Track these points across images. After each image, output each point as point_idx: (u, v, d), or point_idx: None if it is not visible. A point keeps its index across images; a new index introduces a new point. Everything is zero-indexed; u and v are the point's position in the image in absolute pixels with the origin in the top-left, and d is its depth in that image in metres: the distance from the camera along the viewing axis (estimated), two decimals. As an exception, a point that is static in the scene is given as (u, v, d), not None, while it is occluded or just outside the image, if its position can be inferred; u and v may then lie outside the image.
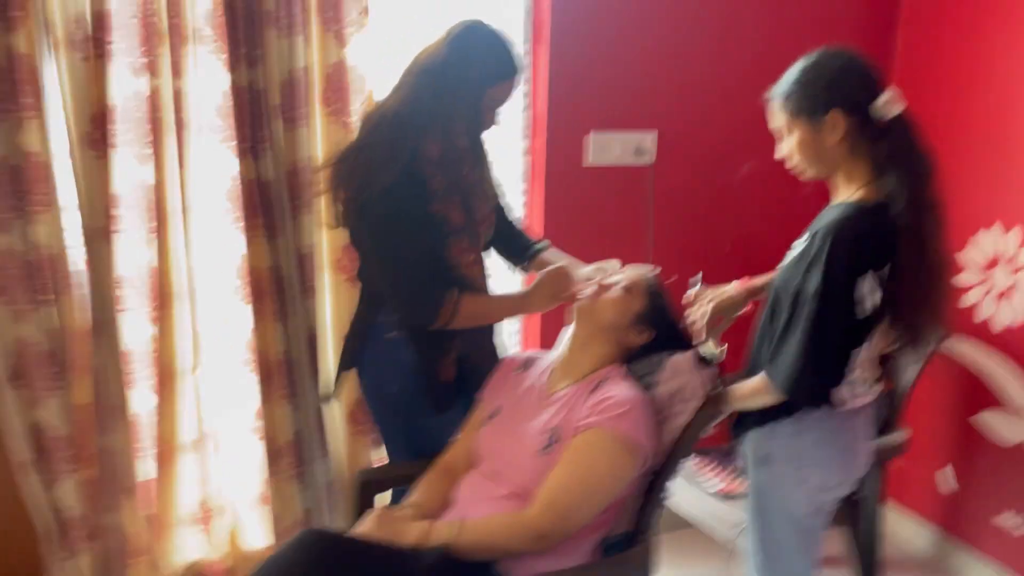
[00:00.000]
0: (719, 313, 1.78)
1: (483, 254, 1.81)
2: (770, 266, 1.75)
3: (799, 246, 1.55)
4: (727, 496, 2.20)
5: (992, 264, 2.45)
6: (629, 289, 1.66)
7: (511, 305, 1.76)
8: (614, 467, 1.49)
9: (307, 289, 2.07)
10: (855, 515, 2.16)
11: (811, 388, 1.50)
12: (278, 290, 2.03)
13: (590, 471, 1.47)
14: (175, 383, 2.03)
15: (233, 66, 1.91)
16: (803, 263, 1.48)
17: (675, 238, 2.56)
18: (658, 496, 1.61)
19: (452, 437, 1.75)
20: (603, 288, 1.66)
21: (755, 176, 2.64)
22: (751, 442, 1.68)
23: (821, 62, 1.50)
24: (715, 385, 1.63)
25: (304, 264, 2.06)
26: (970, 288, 2.51)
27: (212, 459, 2.15)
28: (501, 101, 1.67)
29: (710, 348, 1.75)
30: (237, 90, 1.92)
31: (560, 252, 1.95)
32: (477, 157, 1.73)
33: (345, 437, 2.23)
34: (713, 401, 1.62)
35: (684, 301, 1.83)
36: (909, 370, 2.21)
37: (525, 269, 1.96)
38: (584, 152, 2.38)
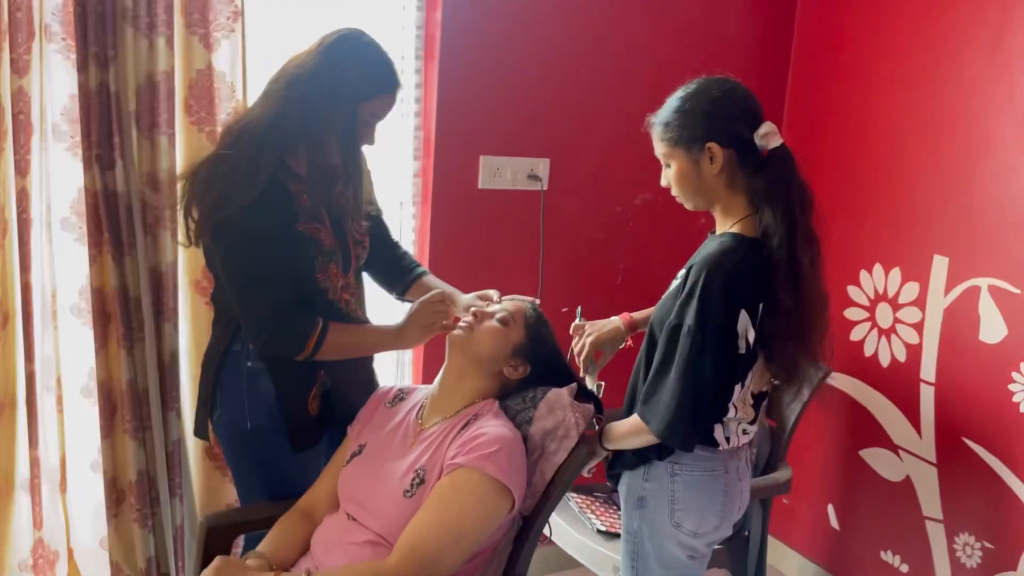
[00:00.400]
0: (598, 347, 1.78)
1: (357, 279, 1.76)
2: (655, 294, 1.75)
3: (679, 279, 1.54)
4: (610, 535, 2.18)
5: (875, 303, 2.52)
6: (506, 321, 1.61)
7: (382, 337, 1.70)
8: (482, 510, 1.43)
9: (162, 312, 1.98)
10: (737, 555, 2.16)
11: (685, 431, 1.48)
12: (125, 313, 1.91)
13: (455, 515, 1.41)
14: (8, 413, 1.91)
15: (82, 66, 1.79)
16: (679, 297, 1.47)
17: (566, 266, 2.57)
18: (531, 541, 1.56)
19: (315, 478, 1.68)
20: (480, 318, 1.61)
21: (648, 206, 2.67)
22: (625, 484, 1.65)
23: (699, 92, 1.49)
24: (593, 423, 1.61)
25: (159, 284, 1.96)
26: (856, 324, 2.58)
27: (48, 499, 2.01)
28: (378, 116, 1.62)
29: (591, 383, 1.74)
30: (86, 92, 1.80)
31: (438, 280, 1.90)
32: (351, 174, 1.66)
33: (201, 476, 2.12)
34: (590, 440, 1.58)
35: (570, 333, 1.81)
36: (793, 406, 2.24)
37: (401, 296, 1.90)
38: (477, 175, 2.38)
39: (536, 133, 2.45)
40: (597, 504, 2.36)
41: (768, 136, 1.46)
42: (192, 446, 2.11)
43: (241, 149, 1.54)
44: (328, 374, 1.71)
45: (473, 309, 1.64)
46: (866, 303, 2.54)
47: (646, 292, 2.07)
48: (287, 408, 1.67)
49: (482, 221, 2.42)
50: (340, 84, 1.53)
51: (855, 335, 2.58)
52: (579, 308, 1.88)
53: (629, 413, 1.62)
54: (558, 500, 1.58)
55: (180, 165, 1.92)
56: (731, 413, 1.53)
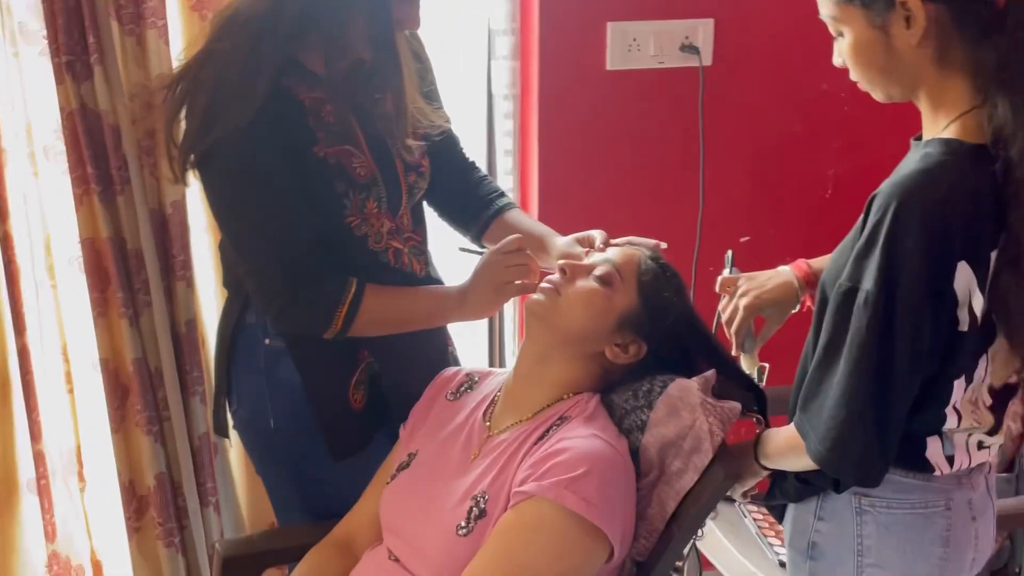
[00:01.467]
0: (759, 313, 1.69)
1: (415, 221, 1.74)
2: None
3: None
4: None
5: None
6: (609, 278, 1.52)
7: (440, 302, 1.68)
8: (561, 561, 1.37)
9: (171, 267, 2.00)
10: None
11: (861, 457, 1.34)
12: (123, 270, 1.93)
13: (524, 566, 1.36)
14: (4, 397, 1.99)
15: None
16: (854, 245, 1.33)
17: (740, 178, 2.48)
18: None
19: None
20: (571, 274, 1.54)
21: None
22: (789, 522, 1.57)
23: None
24: (754, 421, 1.55)
25: (164, 231, 1.99)
26: None
27: (61, 501, 2.10)
28: None
29: (748, 365, 1.69)
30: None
31: (526, 217, 1.87)
32: (388, 72, 1.62)
33: (246, 479, 2.16)
34: (734, 454, 1.49)
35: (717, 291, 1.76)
36: None
37: (478, 240, 1.86)
38: (604, 51, 2.32)
39: None
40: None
41: None
42: (226, 445, 2.15)
43: (233, 43, 1.51)
44: (375, 354, 1.71)
45: (563, 262, 1.56)
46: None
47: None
48: (320, 402, 1.68)
49: (611, 119, 2.36)
50: None
51: None
52: (729, 254, 1.81)
53: (794, 414, 1.51)
54: (685, 543, 1.52)
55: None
56: (952, 422, 1.38)
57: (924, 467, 1.40)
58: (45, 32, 1.86)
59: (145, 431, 2.00)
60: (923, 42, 1.29)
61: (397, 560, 1.50)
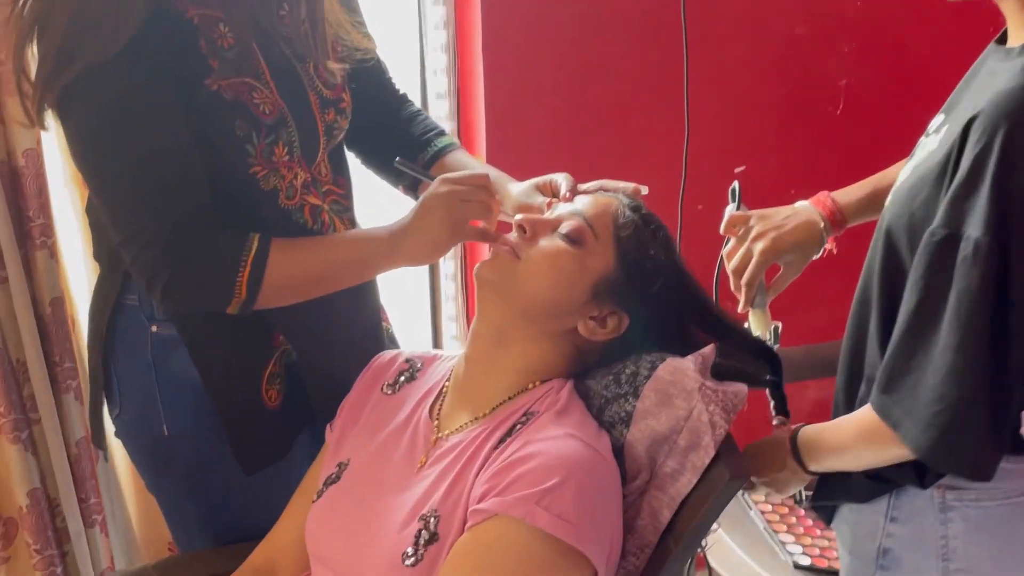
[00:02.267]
0: (775, 259, 1.74)
1: (334, 169, 1.76)
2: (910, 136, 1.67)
3: (934, 142, 1.44)
4: (818, 572, 2.19)
5: None
6: (579, 235, 1.53)
7: (368, 248, 1.66)
8: None
9: (27, 233, 2.00)
10: None
11: (978, 446, 1.37)
12: None
13: None
14: None
15: None
16: (945, 180, 1.35)
17: (730, 97, 2.51)
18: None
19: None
20: (532, 231, 1.54)
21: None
22: (848, 524, 1.63)
23: None
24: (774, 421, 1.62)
25: (17, 188, 1.98)
26: None
27: None
28: None
29: (758, 324, 1.75)
30: None
31: (474, 160, 1.89)
32: None
33: (134, 496, 2.18)
34: (749, 453, 1.57)
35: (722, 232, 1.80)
36: None
37: (412, 190, 1.89)
38: None
39: None
40: (797, 517, 2.35)
41: None
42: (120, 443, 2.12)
43: None
44: (292, 338, 1.72)
45: (520, 217, 1.56)
46: None
47: (892, 131, 1.94)
48: (225, 401, 1.69)
49: (574, 26, 2.37)
50: None
51: None
52: (734, 186, 1.82)
53: (849, 394, 1.59)
54: (685, 559, 1.52)
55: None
56: None
57: (1021, 448, 1.41)
58: None
59: (11, 439, 2.01)
60: None
61: None
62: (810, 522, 2.31)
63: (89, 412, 1.84)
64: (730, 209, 1.79)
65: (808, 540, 2.27)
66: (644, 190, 1.64)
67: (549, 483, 1.34)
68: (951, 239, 1.31)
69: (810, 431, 1.55)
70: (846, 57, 2.56)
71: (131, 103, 1.49)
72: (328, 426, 1.68)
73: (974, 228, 1.28)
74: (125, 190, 1.53)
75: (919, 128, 1.65)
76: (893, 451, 1.43)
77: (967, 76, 1.53)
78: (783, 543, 2.22)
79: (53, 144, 2.01)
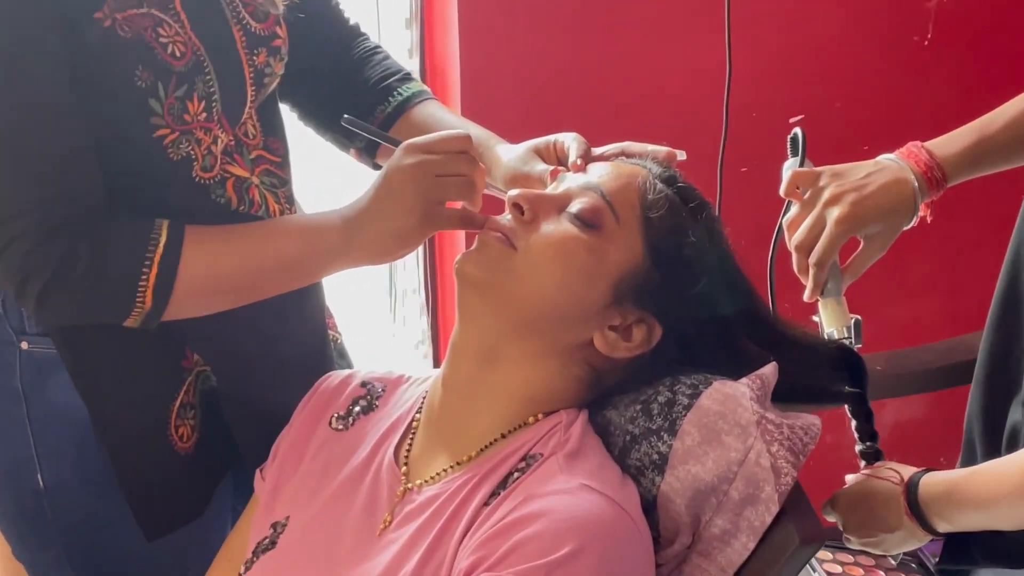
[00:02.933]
0: (856, 231, 1.73)
1: (265, 130, 1.73)
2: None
3: None
4: None
5: None
6: (595, 216, 1.46)
7: (310, 239, 1.64)
8: None
9: None
10: None
11: None
12: None
13: None
14: None
15: None
16: None
17: (781, 28, 2.54)
18: None
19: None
20: (534, 209, 1.48)
21: None
22: None
23: None
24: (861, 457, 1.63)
25: None
26: None
27: None
28: None
29: (832, 318, 1.73)
30: None
31: (451, 114, 1.89)
32: None
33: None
34: (815, 515, 1.46)
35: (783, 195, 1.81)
36: None
37: (369, 153, 1.88)
38: None
39: None
40: (869, 567, 2.42)
41: None
42: None
43: None
44: (209, 355, 1.72)
45: (516, 193, 1.50)
46: None
47: (1000, 75, 1.94)
48: (119, 443, 1.67)
49: None
50: None
51: None
52: (798, 132, 1.80)
53: (989, 429, 1.65)
54: None
55: None
56: None
57: None
58: None
59: None
60: None
61: None
62: None
63: None
64: (791, 164, 1.77)
65: None
66: (681, 155, 1.59)
67: (560, 553, 1.28)
68: None
69: (940, 482, 1.51)
70: None
71: (4, 53, 1.45)
72: (258, 472, 1.66)
73: None
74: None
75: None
76: None
77: None
78: None
79: None
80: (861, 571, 2.39)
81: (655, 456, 1.42)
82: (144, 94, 1.51)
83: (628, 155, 1.58)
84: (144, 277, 1.50)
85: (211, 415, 1.73)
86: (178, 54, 1.54)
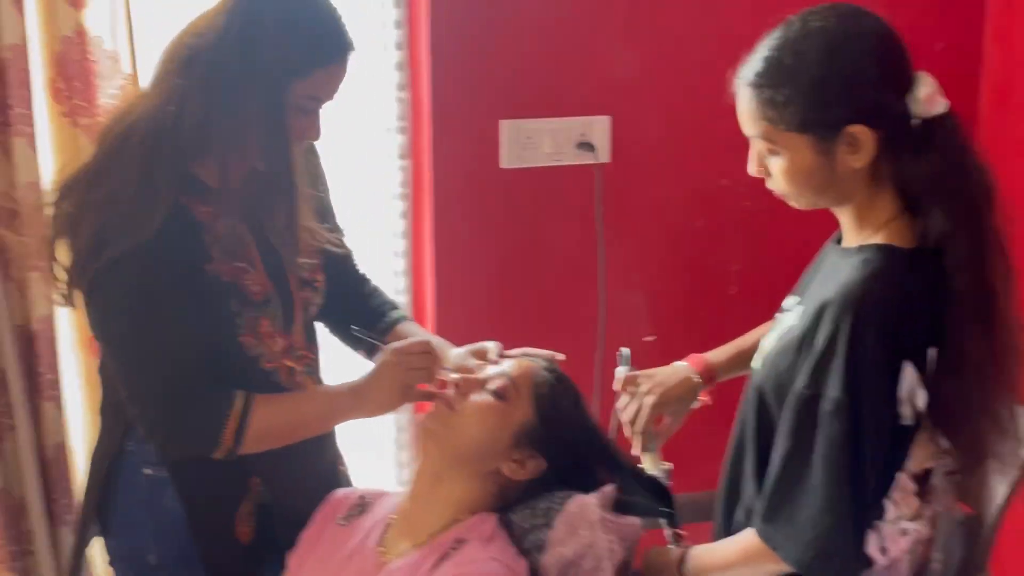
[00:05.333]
0: (661, 411, 1.80)
1: (308, 338, 1.78)
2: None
3: (796, 317, 1.55)
4: None
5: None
6: (504, 391, 1.58)
7: (334, 403, 1.68)
8: None
9: (38, 387, 2.03)
10: None
11: (848, 558, 1.46)
12: None
13: None
14: None
15: None
16: (806, 353, 1.46)
17: (642, 276, 2.59)
18: None
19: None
20: (464, 389, 1.59)
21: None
22: None
23: (831, 41, 1.43)
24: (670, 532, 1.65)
25: (31, 349, 2.02)
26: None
27: None
28: (320, 98, 1.62)
29: (652, 466, 1.78)
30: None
31: (420, 329, 1.94)
32: (285, 185, 1.67)
33: None
34: (648, 566, 1.63)
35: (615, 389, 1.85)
36: (997, 488, 2.06)
37: (370, 354, 1.86)
38: (497, 149, 2.44)
39: (585, 80, 2.47)
40: None
41: (931, 99, 1.42)
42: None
43: (126, 160, 1.54)
44: (265, 482, 1.73)
45: (455, 376, 1.62)
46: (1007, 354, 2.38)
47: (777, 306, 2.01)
48: (204, 535, 1.68)
49: (507, 218, 2.46)
50: (255, 56, 1.53)
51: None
52: (623, 351, 1.89)
53: (727, 521, 1.64)
54: None
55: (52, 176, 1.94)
56: (889, 512, 1.50)
57: (865, 561, 1.49)
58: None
59: (9, 568, 2.00)
60: (864, 164, 1.45)
61: None
62: None
63: (74, 548, 1.81)
64: (622, 370, 1.85)
65: None
66: (560, 357, 1.70)
67: None
68: (815, 397, 1.43)
69: (698, 554, 1.59)
70: (738, 246, 2.64)
71: (149, 288, 1.53)
72: (289, 553, 1.67)
73: (833, 389, 1.40)
74: (137, 358, 1.56)
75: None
76: (770, 567, 1.50)
77: (812, 266, 1.68)
78: None
79: (65, 311, 2.03)
80: None
81: (538, 542, 1.52)
82: (233, 316, 1.61)
83: (528, 355, 1.68)
84: (226, 426, 1.55)
85: (263, 520, 1.72)
86: (256, 292, 1.63)
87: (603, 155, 2.46)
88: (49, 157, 1.99)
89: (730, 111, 2.48)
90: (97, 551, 2.03)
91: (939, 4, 2.64)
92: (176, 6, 1.97)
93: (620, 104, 2.48)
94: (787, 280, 2.50)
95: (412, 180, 2.41)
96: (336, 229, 1.87)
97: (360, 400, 1.65)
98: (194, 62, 1.53)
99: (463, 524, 1.54)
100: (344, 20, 1.59)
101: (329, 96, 1.61)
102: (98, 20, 1.97)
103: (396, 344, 1.66)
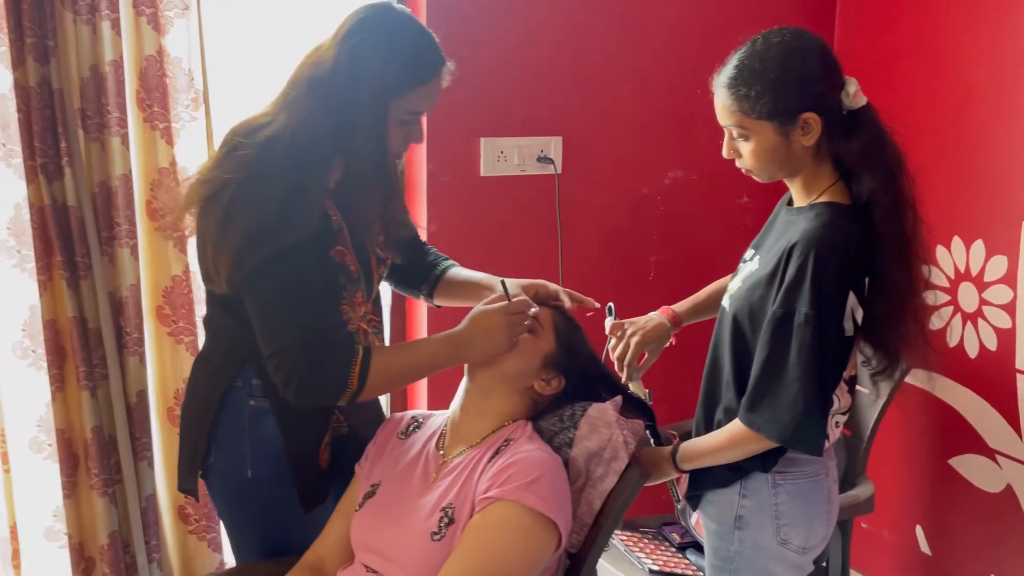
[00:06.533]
0: (643, 348, 1.89)
1: (376, 304, 1.81)
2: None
3: (757, 263, 1.68)
4: (663, 574, 2.31)
5: (956, 283, 2.61)
6: (535, 329, 1.68)
7: (440, 351, 1.67)
8: (526, 549, 1.50)
9: (125, 344, 2.08)
10: (817, 590, 2.24)
11: (818, 433, 1.58)
12: (85, 347, 2.00)
13: (496, 557, 1.48)
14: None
15: (17, 61, 1.88)
16: (776, 283, 1.58)
17: (590, 263, 2.69)
18: (582, 582, 1.61)
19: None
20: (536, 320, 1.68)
21: (680, 186, 2.79)
22: (714, 505, 1.76)
23: (788, 52, 1.58)
24: (646, 438, 1.71)
25: (120, 311, 2.07)
26: (936, 309, 2.66)
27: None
28: (417, 112, 1.65)
29: (637, 391, 1.85)
30: (23, 91, 1.90)
31: (469, 271, 1.94)
32: (381, 185, 1.70)
33: (175, 538, 2.19)
34: (644, 459, 1.68)
35: (607, 334, 1.92)
36: (870, 410, 2.31)
37: (430, 297, 1.94)
38: (478, 161, 2.52)
39: (544, 108, 2.57)
40: (646, 541, 2.47)
41: (857, 94, 1.58)
42: (166, 504, 2.18)
43: (274, 168, 1.55)
44: (345, 417, 1.77)
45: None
46: (946, 284, 2.63)
47: (684, 287, 2.14)
48: (296, 458, 1.72)
49: (487, 215, 2.54)
50: (361, 79, 1.56)
51: (935, 323, 2.61)
52: (610, 305, 1.96)
53: (708, 421, 1.74)
54: (610, 533, 1.64)
55: (136, 169, 2.03)
56: (835, 405, 1.63)
57: (824, 439, 1.62)
58: (2, 139, 1.93)
59: (101, 493, 2.04)
60: (812, 143, 1.60)
61: (375, 572, 1.57)
62: (653, 546, 2.42)
63: (181, 467, 1.80)
64: (610, 320, 1.93)
65: (656, 556, 2.38)
66: (596, 305, 1.81)
67: (532, 477, 1.50)
68: (788, 314, 1.56)
69: (688, 444, 1.69)
70: (655, 242, 2.77)
71: (302, 274, 1.56)
72: (357, 464, 1.74)
73: (803, 306, 1.53)
74: (283, 324, 1.57)
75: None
76: (752, 446, 1.61)
77: (766, 224, 1.79)
78: (639, 558, 2.35)
79: (145, 280, 2.06)
80: (636, 537, 2.44)
81: (567, 440, 1.63)
82: (341, 289, 1.66)
83: (572, 296, 1.78)
84: (351, 375, 1.57)
85: (340, 447, 1.76)
86: (354, 270, 1.68)
87: (559, 167, 2.57)
88: (134, 155, 2.03)
89: (653, 134, 2.70)
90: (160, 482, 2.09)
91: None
92: (242, 34, 2.10)
93: (569, 127, 2.59)
94: (691, 267, 2.74)
95: (408, 184, 2.47)
96: (406, 212, 1.90)
97: (465, 351, 1.65)
98: (315, 86, 1.56)
99: (507, 429, 1.64)
100: (435, 40, 1.62)
101: (427, 108, 1.65)
102: (176, 43, 2.03)
103: (502, 304, 1.66)
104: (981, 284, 2.57)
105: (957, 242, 2.61)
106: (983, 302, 2.56)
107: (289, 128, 1.56)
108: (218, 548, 2.19)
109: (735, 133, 1.64)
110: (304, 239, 1.54)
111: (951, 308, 2.64)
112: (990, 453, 2.59)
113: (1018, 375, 2.49)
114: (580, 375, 1.72)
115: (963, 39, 2.56)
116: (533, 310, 1.70)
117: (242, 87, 2.19)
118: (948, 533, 2.74)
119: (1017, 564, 2.56)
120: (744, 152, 1.64)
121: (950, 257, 2.63)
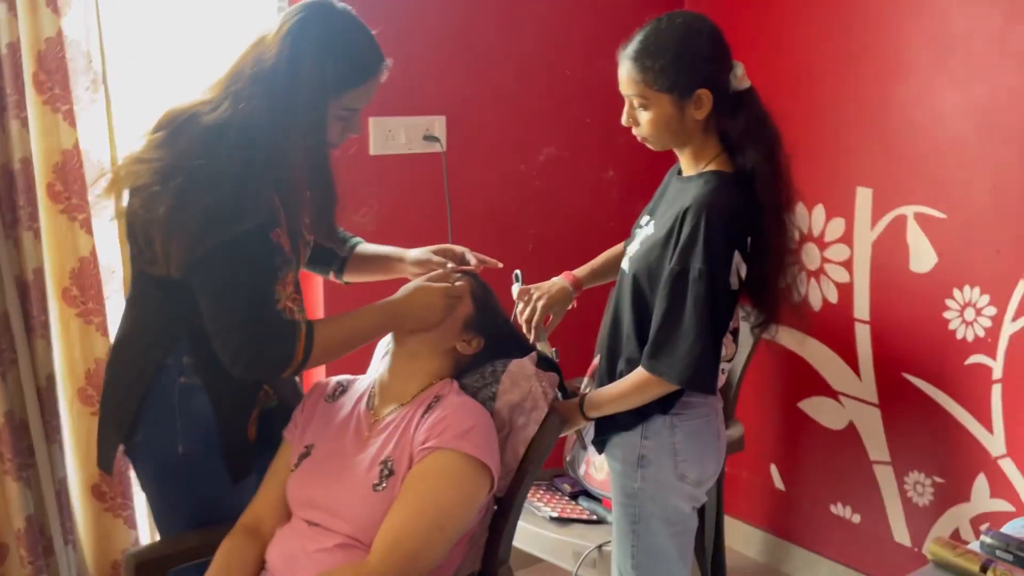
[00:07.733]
0: (549, 310, 1.98)
1: (297, 283, 1.83)
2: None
3: (652, 227, 1.79)
4: (563, 521, 2.44)
5: (800, 244, 2.84)
6: (455, 291, 1.75)
7: (378, 321, 1.73)
8: (464, 493, 1.58)
9: (33, 327, 2.04)
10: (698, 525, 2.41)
11: (711, 375, 1.71)
12: None
13: (436, 501, 1.55)
14: None
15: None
16: (672, 243, 1.70)
17: (477, 236, 2.71)
18: (510, 524, 1.73)
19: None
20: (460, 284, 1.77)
21: (554, 162, 2.91)
22: (618, 447, 1.87)
23: (690, 33, 1.70)
24: (557, 390, 1.79)
25: (26, 295, 2.03)
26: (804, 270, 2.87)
27: None
28: (355, 109, 1.67)
29: (544, 350, 1.93)
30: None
31: (377, 246, 1.99)
32: (316, 178, 1.71)
33: (90, 517, 2.16)
34: (561, 409, 1.79)
35: (515, 299, 2.01)
36: (735, 359, 2.52)
37: (339, 274, 1.98)
38: (367, 139, 2.55)
39: (429, 87, 2.62)
40: (542, 492, 2.59)
41: (743, 77, 1.72)
42: (77, 484, 2.15)
43: (225, 152, 1.55)
44: (275, 391, 1.81)
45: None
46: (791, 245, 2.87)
47: (562, 259, 2.22)
48: (225, 432, 1.73)
49: (379, 192, 2.57)
50: (300, 82, 1.57)
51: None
52: (517, 272, 2.06)
53: (611, 372, 1.83)
54: (533, 478, 1.76)
55: (37, 152, 1.99)
56: (723, 353, 1.76)
57: (715, 383, 1.76)
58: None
59: (15, 478, 2.01)
60: (703, 117, 1.72)
61: (317, 525, 1.61)
62: (549, 496, 2.55)
63: (100, 444, 1.79)
64: (517, 286, 2.02)
65: (552, 504, 2.50)
66: (499, 264, 1.91)
67: (466, 427, 1.59)
68: (684, 271, 1.68)
69: (594, 394, 1.80)
70: (533, 217, 2.87)
71: (252, 261, 1.59)
72: (285, 431, 1.77)
73: (697, 263, 1.66)
74: (234, 305, 1.59)
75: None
76: (654, 391, 1.73)
77: (658, 192, 1.91)
78: (538, 507, 2.47)
79: (52, 264, 2.02)
80: (545, 494, 2.53)
81: (491, 394, 1.72)
82: (276, 270, 1.66)
83: (480, 259, 1.89)
84: (296, 347, 1.60)
85: (267, 421, 1.79)
86: (288, 251, 1.68)
87: (444, 145, 2.62)
88: (35, 137, 1.99)
89: (530, 112, 2.80)
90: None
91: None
92: (140, 17, 2.08)
93: (452, 106, 2.66)
94: (565, 238, 2.88)
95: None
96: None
97: (401, 320, 1.72)
98: (256, 81, 1.57)
99: (435, 387, 1.71)
100: (374, 39, 1.65)
101: (366, 104, 1.68)
102: (74, 25, 1.99)
103: (445, 286, 1.73)
104: (822, 244, 2.82)
105: (800, 207, 2.82)
106: (824, 260, 2.82)
107: (236, 117, 1.56)
108: (134, 525, 2.17)
109: (636, 103, 1.75)
110: (256, 225, 1.57)
111: (796, 267, 2.87)
112: (834, 394, 2.86)
113: (856, 324, 2.76)
114: (496, 336, 1.80)
115: (802, 24, 2.80)
116: (459, 283, 1.77)
117: (141, 68, 2.16)
118: (799, 469, 3.00)
119: (858, 492, 2.83)
120: (642, 121, 1.75)
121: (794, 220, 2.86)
